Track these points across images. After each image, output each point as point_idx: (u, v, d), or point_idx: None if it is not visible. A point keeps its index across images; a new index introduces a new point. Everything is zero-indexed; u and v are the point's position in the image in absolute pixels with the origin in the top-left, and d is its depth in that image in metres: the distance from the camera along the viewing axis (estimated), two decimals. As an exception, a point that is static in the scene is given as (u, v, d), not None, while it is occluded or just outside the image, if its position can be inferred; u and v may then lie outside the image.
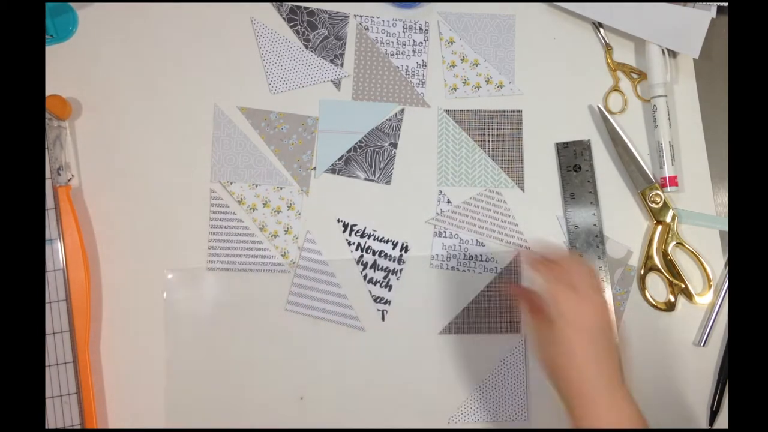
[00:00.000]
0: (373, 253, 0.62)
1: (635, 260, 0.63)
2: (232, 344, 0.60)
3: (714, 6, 0.62)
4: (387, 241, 0.62)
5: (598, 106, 0.64)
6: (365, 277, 0.61)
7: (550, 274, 0.51)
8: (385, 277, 0.61)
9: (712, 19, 0.62)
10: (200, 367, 0.59)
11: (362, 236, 0.62)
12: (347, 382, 0.60)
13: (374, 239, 0.62)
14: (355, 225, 0.62)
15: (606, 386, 0.48)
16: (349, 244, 0.62)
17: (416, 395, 0.60)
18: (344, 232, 0.62)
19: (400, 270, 0.62)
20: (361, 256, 0.62)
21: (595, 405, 0.47)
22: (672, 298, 0.62)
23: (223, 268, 0.60)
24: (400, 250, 0.62)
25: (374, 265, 0.62)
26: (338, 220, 0.62)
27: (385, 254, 0.62)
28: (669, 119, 0.63)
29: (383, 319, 0.61)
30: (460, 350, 0.61)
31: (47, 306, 0.56)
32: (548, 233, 0.63)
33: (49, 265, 0.56)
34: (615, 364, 0.49)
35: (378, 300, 0.61)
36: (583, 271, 0.52)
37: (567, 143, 0.63)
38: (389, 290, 0.61)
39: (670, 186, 0.62)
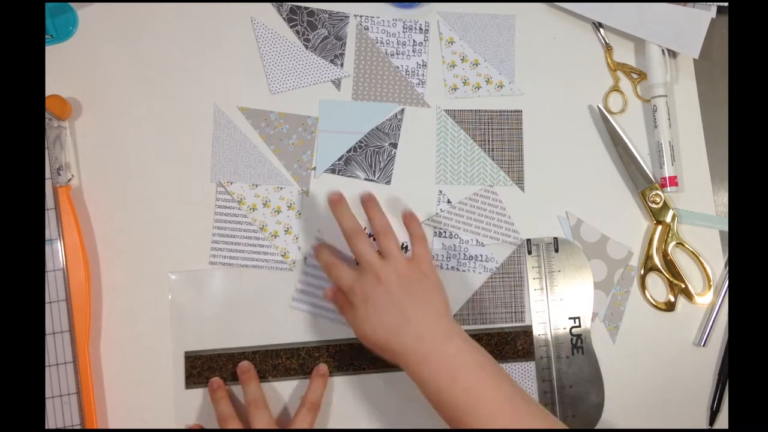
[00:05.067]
0: (373, 253, 0.61)
1: (635, 260, 0.63)
2: (236, 342, 0.60)
3: (714, 6, 0.62)
4: (387, 241, 0.62)
5: (598, 106, 0.64)
6: (365, 277, 0.61)
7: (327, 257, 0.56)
8: (385, 277, 0.61)
9: (712, 19, 0.62)
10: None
11: (362, 236, 0.62)
12: (347, 382, 0.60)
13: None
14: (355, 225, 0.62)
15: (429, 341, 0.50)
16: (349, 244, 0.62)
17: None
18: (344, 232, 0.62)
19: (400, 270, 0.61)
20: (361, 256, 0.61)
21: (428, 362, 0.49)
22: (672, 298, 0.62)
23: (225, 263, 0.60)
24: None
25: (374, 265, 0.61)
26: (338, 220, 0.62)
27: (385, 254, 0.62)
28: (669, 119, 0.63)
29: (383, 319, 0.61)
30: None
31: (47, 306, 0.56)
32: (549, 233, 0.63)
33: (49, 265, 0.56)
34: (431, 315, 0.51)
35: (378, 300, 0.61)
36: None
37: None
38: (389, 290, 0.61)
39: (670, 186, 0.62)
